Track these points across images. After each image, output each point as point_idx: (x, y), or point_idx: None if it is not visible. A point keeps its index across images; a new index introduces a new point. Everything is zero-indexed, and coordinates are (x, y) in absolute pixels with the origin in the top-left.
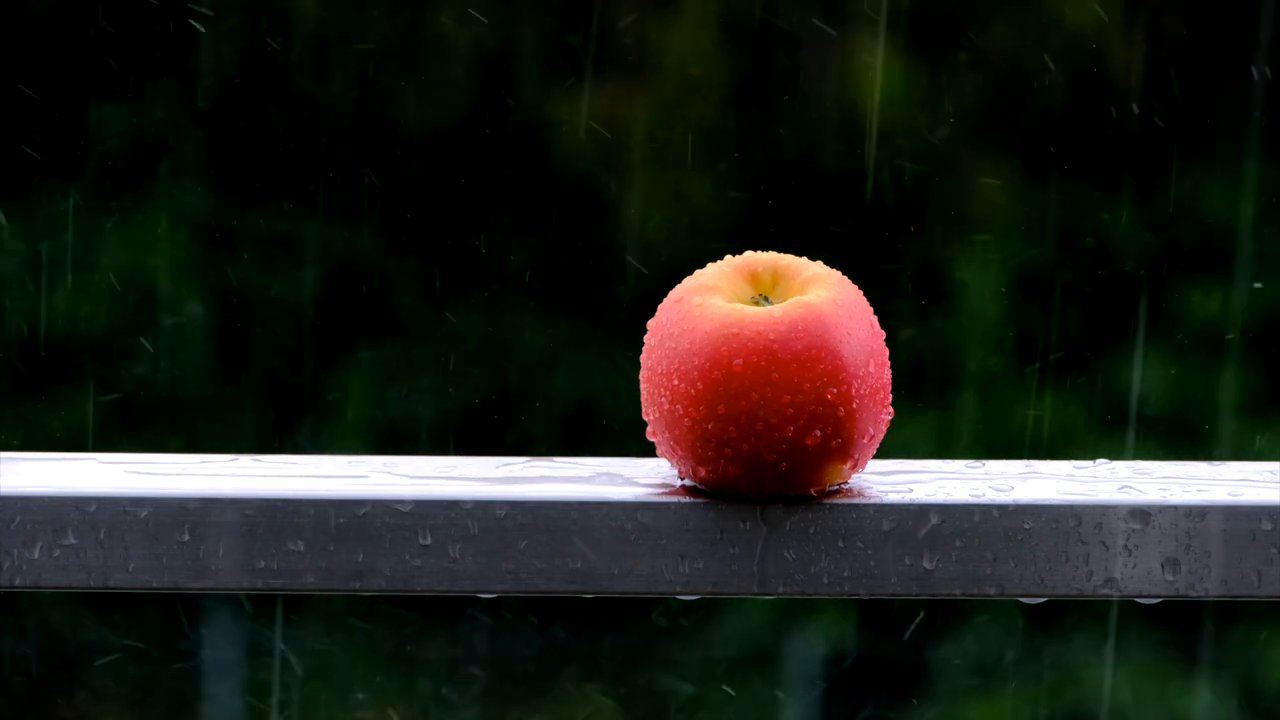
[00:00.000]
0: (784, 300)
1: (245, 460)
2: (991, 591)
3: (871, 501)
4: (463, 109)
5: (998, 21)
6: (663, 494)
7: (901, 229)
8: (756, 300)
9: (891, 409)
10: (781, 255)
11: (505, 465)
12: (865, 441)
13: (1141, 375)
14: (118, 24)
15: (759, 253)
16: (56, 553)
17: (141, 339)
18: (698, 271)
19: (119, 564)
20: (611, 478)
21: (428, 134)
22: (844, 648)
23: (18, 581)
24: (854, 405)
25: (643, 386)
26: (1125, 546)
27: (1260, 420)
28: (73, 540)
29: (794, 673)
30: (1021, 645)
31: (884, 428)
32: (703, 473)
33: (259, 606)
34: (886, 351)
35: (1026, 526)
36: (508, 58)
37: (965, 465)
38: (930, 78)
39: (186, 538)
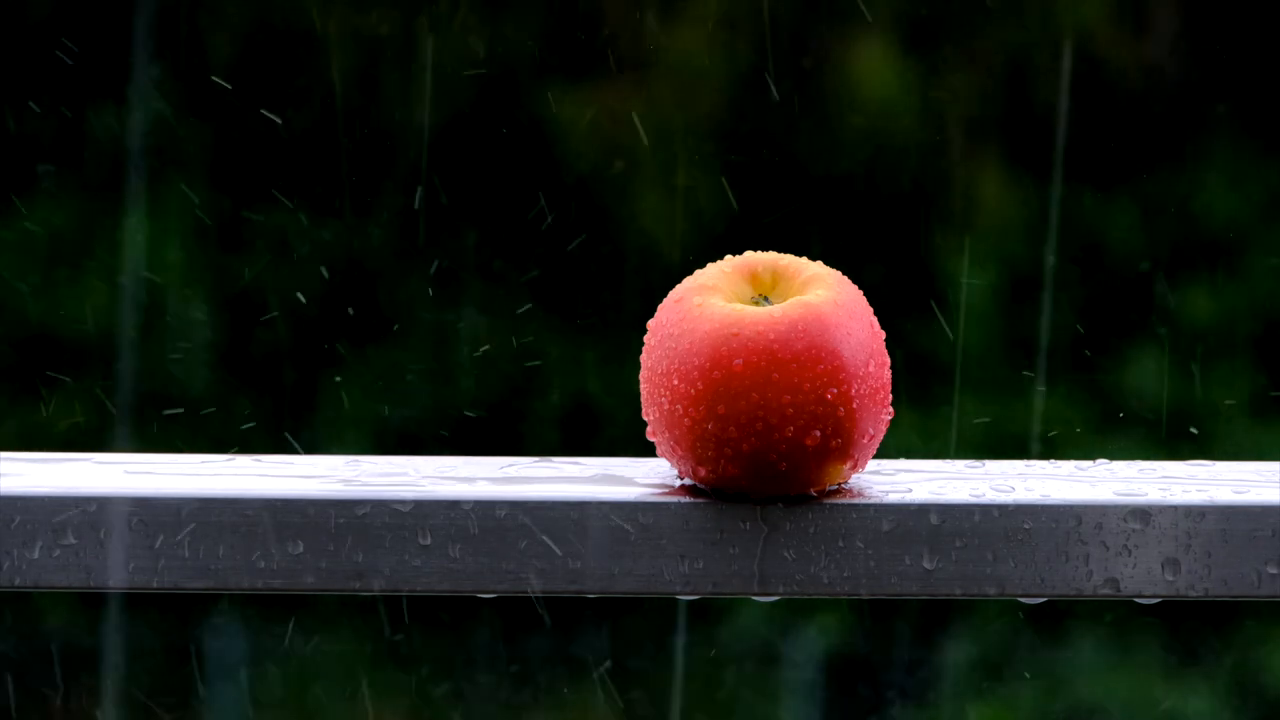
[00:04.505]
0: (784, 300)
1: (244, 460)
2: (991, 591)
3: (871, 501)
4: (464, 107)
5: (997, 21)
6: (663, 494)
7: (901, 229)
8: (756, 300)
9: (891, 409)
10: (781, 255)
11: (505, 465)
12: (865, 441)
13: (1141, 375)
14: (119, 23)
15: (759, 253)
16: (56, 553)
17: (142, 338)
18: (698, 271)
19: (119, 564)
20: (611, 478)
21: (429, 132)
22: (844, 648)
23: (18, 581)
24: (854, 405)
25: (643, 386)
26: (1125, 546)
27: (1260, 420)
28: (73, 540)
29: (794, 673)
30: (1021, 645)
31: (884, 428)
32: (703, 473)
33: (259, 606)
34: (886, 351)
35: (1026, 526)
36: (509, 56)
37: (965, 465)
38: (930, 77)
39: (186, 538)
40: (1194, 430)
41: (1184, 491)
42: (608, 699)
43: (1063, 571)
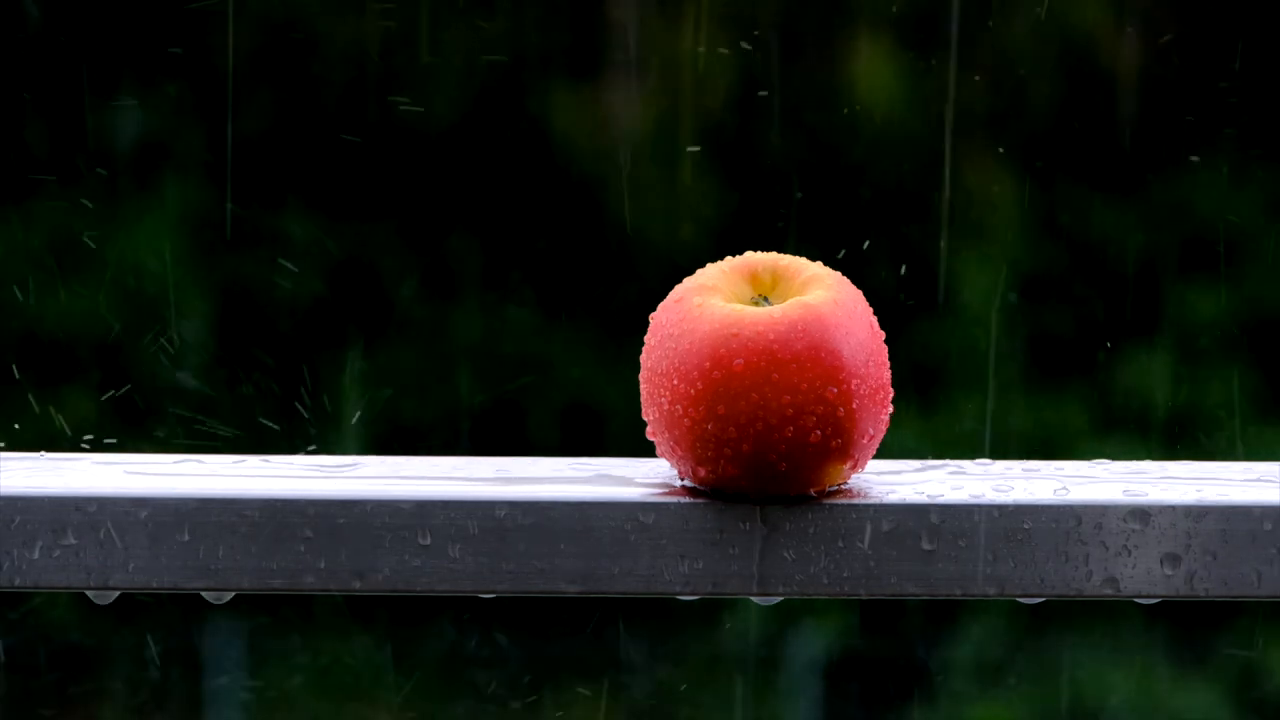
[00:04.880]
0: (784, 300)
1: (245, 460)
2: (991, 591)
3: (871, 501)
4: (465, 107)
5: (997, 22)
6: (663, 494)
7: (901, 229)
8: (756, 300)
9: (892, 408)
10: (781, 255)
11: (505, 465)
12: (865, 441)
13: (1141, 375)
14: (120, 23)
15: (759, 253)
16: (56, 553)
17: (142, 338)
18: (698, 271)
19: (119, 564)
20: (611, 478)
21: (430, 132)
22: (844, 648)
23: (18, 581)
24: (854, 405)
25: (643, 386)
26: (1125, 546)
27: (1260, 420)
28: (73, 540)
29: (794, 673)
30: (1021, 645)
31: (884, 428)
32: (703, 473)
33: (259, 606)
34: (886, 351)
35: (1026, 526)
36: (510, 56)
37: (966, 465)
38: (930, 78)
39: (186, 538)
40: (1194, 430)
41: (1184, 491)
42: (606, 699)
43: (1063, 572)
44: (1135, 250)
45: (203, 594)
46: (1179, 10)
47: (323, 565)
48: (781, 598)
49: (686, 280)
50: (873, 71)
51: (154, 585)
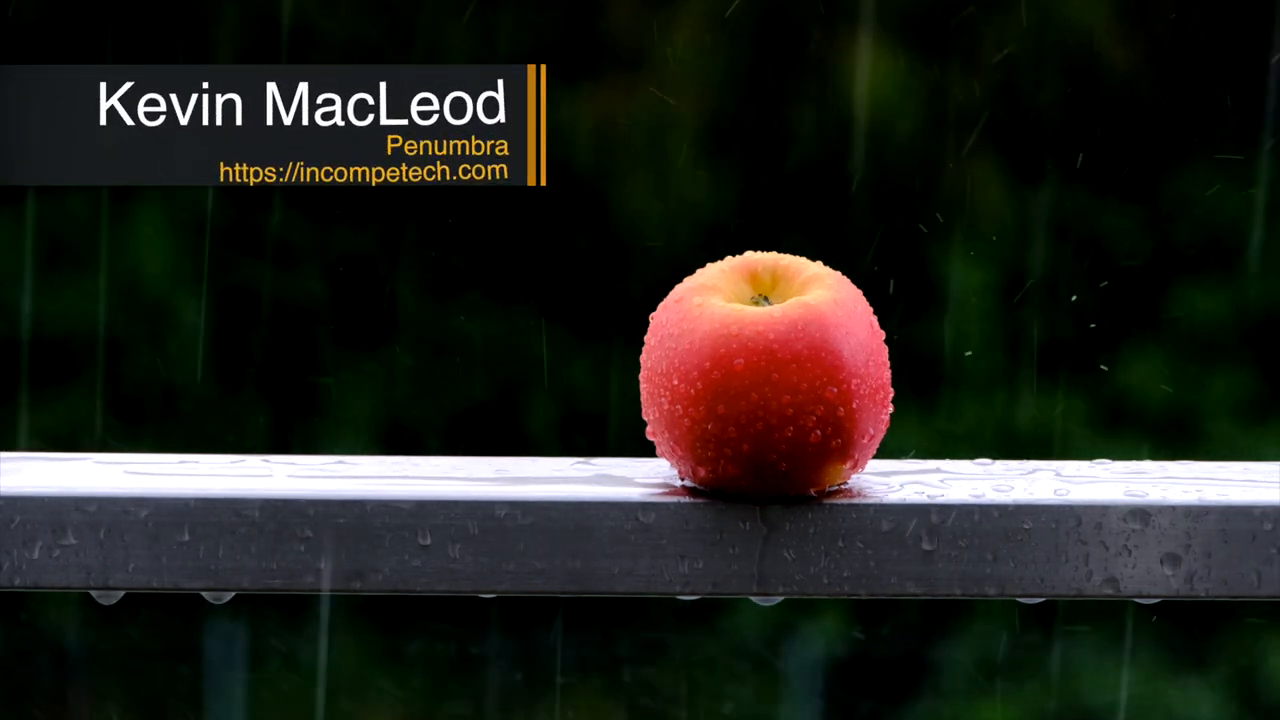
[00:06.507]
0: (784, 300)
1: (245, 460)
2: (991, 591)
3: (871, 501)
4: None
5: (995, 20)
6: (663, 494)
7: (900, 229)
8: (756, 300)
9: (892, 408)
10: (781, 255)
11: (505, 465)
12: (865, 441)
13: (1141, 375)
14: (117, 16)
15: (759, 253)
16: (56, 553)
17: (142, 339)
18: (698, 271)
19: (119, 564)
20: (611, 478)
21: None
22: (844, 648)
23: (18, 581)
24: (854, 405)
25: (643, 386)
26: (1125, 546)
27: (1259, 420)
28: (73, 540)
29: (794, 673)
30: (1021, 645)
31: (884, 428)
32: (703, 473)
33: (259, 606)
34: (886, 351)
35: (1026, 526)
36: (506, 55)
37: (965, 465)
38: (928, 76)
39: (186, 538)
40: (1194, 430)
41: (1184, 491)
42: (607, 699)
43: (1063, 571)
44: (1135, 250)
45: (203, 594)
46: (1179, 8)
47: (323, 565)
48: (781, 598)
49: (686, 280)
50: (872, 70)
51: (154, 585)
